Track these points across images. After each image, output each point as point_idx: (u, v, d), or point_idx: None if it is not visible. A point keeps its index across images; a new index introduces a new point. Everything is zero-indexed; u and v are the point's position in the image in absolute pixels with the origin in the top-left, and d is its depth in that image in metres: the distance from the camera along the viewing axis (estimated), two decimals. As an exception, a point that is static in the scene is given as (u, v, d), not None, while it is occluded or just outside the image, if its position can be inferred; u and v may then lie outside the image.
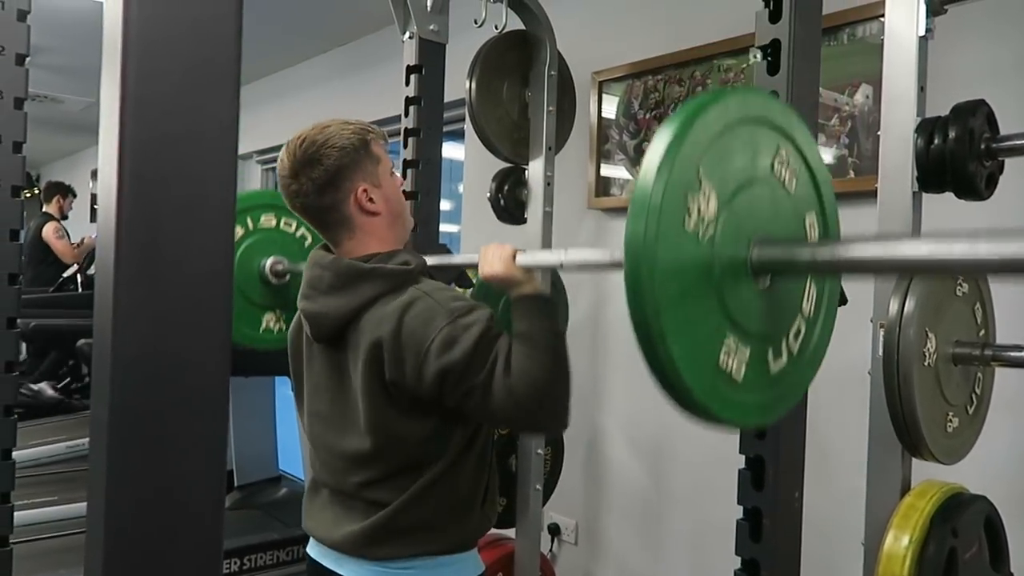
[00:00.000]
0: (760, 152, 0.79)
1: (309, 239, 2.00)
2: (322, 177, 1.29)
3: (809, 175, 0.86)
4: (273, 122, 4.40)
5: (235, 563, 2.66)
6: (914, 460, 1.37)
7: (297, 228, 2.01)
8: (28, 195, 6.41)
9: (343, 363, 1.30)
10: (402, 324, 1.22)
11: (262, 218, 1.95)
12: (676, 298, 0.70)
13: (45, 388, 4.49)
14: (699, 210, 0.71)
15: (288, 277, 1.94)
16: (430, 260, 1.40)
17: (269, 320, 1.96)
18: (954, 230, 0.65)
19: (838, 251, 0.78)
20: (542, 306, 1.24)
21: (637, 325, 0.71)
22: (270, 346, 1.97)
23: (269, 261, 1.94)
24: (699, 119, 0.72)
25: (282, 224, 2.00)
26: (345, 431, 1.31)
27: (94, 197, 7.17)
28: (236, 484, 3.38)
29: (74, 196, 5.92)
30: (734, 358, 0.76)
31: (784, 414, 0.88)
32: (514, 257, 1.25)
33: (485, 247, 1.28)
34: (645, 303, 0.69)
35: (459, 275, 2.01)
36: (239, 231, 1.89)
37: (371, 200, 1.32)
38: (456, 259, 1.71)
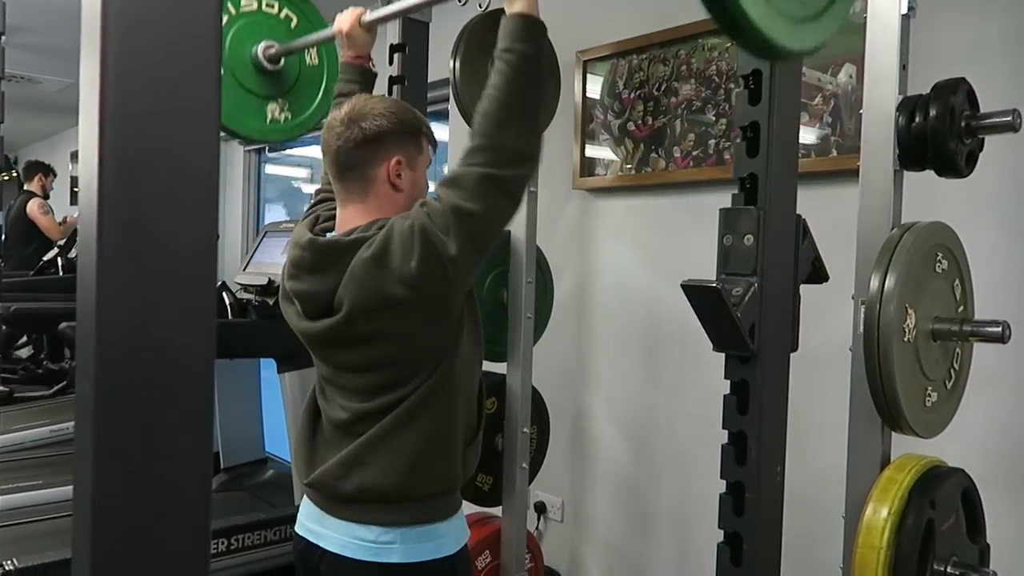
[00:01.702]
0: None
1: (295, 20, 1.92)
2: (372, 131, 1.32)
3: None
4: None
5: (222, 543, 2.66)
6: (893, 434, 1.40)
7: (280, 8, 1.91)
8: (6, 177, 6.33)
9: (338, 326, 1.30)
10: (372, 251, 1.24)
11: (242, 1, 1.84)
12: None
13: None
14: None
15: (282, 61, 1.87)
16: None
17: (274, 111, 1.90)
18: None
19: None
20: (525, 28, 1.26)
21: None
22: (280, 136, 1.93)
23: (260, 47, 1.84)
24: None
25: (264, 5, 1.90)
26: (353, 370, 1.34)
27: (74, 180, 7.08)
28: (222, 466, 3.38)
29: (55, 175, 5.86)
30: None
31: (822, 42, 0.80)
32: None
33: None
34: None
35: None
36: (223, 18, 1.66)
37: (399, 175, 1.35)
38: None
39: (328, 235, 1.36)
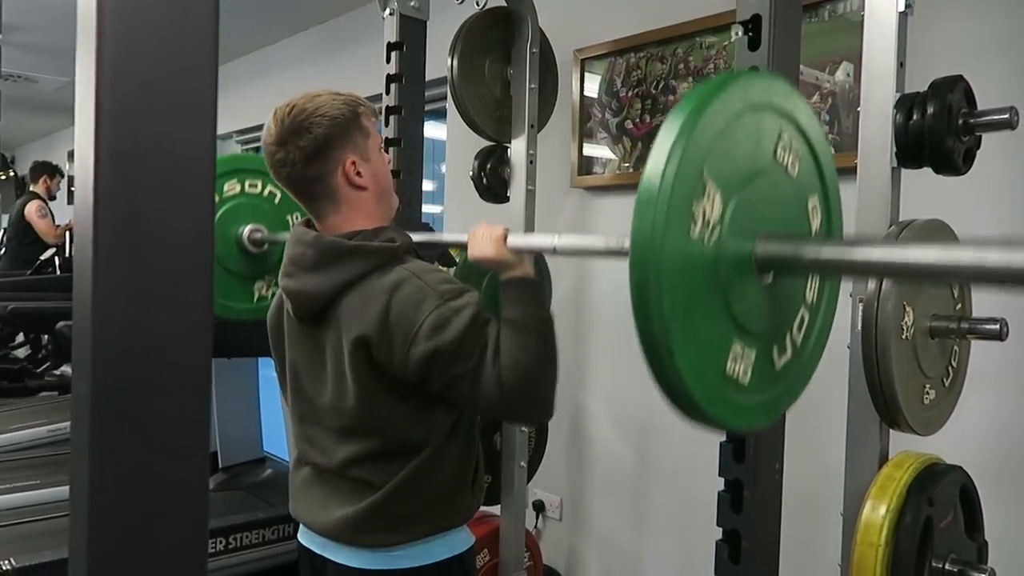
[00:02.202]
0: (763, 139, 0.76)
1: (278, 196, 1.94)
2: (310, 146, 1.25)
3: (811, 154, 0.83)
4: (253, 101, 4.34)
5: (220, 542, 2.66)
6: (891, 432, 1.40)
7: (263, 187, 1.94)
8: (3, 177, 6.30)
9: (327, 341, 1.28)
10: (391, 305, 1.20)
11: (224, 187, 1.88)
12: (683, 306, 0.68)
13: (69, 371, 4.44)
14: (704, 215, 0.69)
15: (267, 246, 1.90)
16: (416, 237, 1.38)
17: (260, 289, 1.92)
18: (964, 237, 0.64)
19: (842, 252, 0.76)
20: (533, 291, 1.22)
21: (643, 334, 0.68)
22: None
23: (246, 230, 1.88)
24: (702, 117, 0.68)
25: (247, 187, 1.93)
26: (330, 408, 1.30)
27: (71, 179, 7.07)
28: (220, 466, 3.37)
29: (62, 176, 5.83)
30: (740, 363, 0.75)
31: (788, 409, 0.88)
32: (505, 239, 1.22)
33: (475, 227, 1.26)
34: (651, 313, 0.67)
35: (441, 253, 2.01)
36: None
37: (359, 174, 1.29)
38: (444, 237, 1.70)
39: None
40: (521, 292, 1.21)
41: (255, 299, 1.91)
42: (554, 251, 1.21)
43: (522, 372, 1.15)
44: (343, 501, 1.30)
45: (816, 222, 0.85)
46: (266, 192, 1.95)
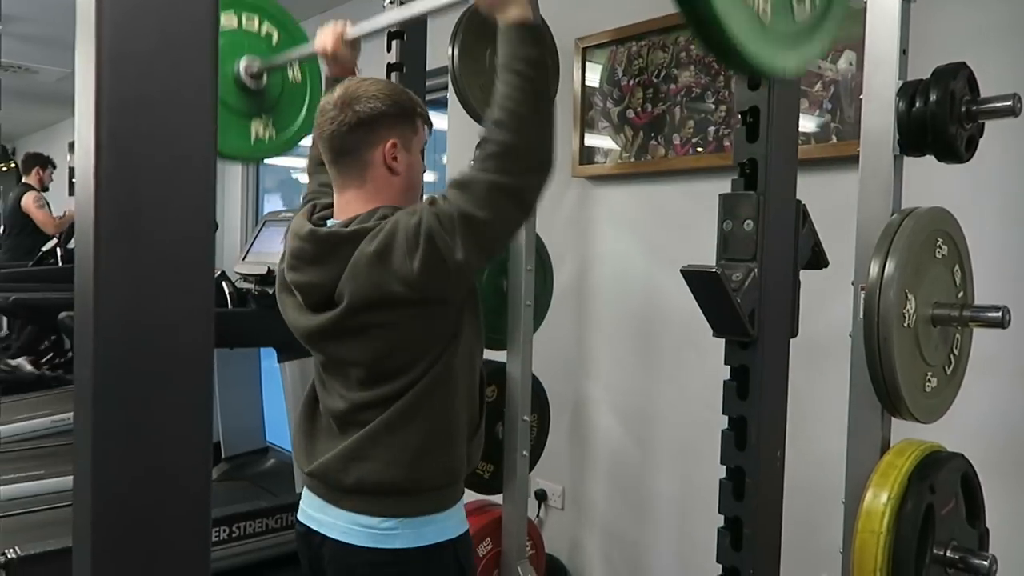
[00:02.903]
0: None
1: (276, 36, 1.87)
2: (365, 114, 1.30)
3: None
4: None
5: (224, 531, 2.67)
6: (893, 420, 1.40)
7: (260, 24, 1.85)
8: (4, 168, 6.31)
9: (340, 306, 1.30)
10: (376, 245, 1.23)
11: (222, 19, 1.79)
12: None
13: (23, 364, 4.46)
14: None
15: (265, 78, 1.82)
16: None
17: (258, 129, 1.84)
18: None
19: None
20: (523, 32, 1.21)
21: None
22: (266, 154, 1.88)
23: (242, 63, 1.78)
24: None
25: (244, 22, 1.84)
26: (351, 363, 1.33)
27: (72, 170, 7.07)
28: (223, 456, 3.39)
29: (54, 167, 5.84)
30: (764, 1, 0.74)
31: (807, 63, 0.85)
32: None
33: None
34: None
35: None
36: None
37: (395, 158, 1.33)
38: None
39: (328, 223, 1.35)
40: (511, 35, 1.21)
41: (252, 139, 1.84)
42: None
43: (512, 114, 1.18)
44: (344, 439, 1.33)
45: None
46: (263, 32, 1.86)
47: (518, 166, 1.21)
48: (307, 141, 1.75)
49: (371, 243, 1.24)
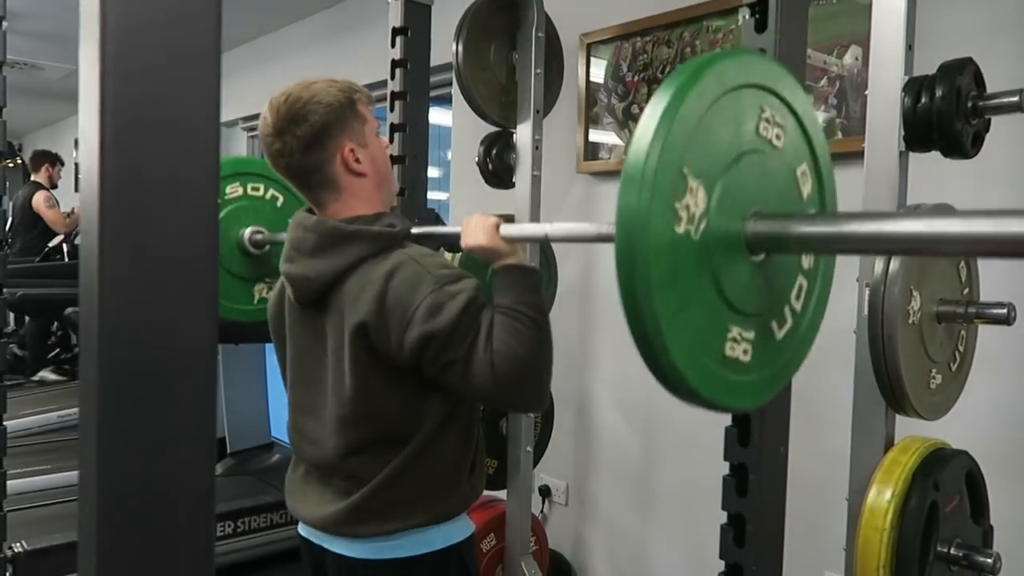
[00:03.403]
0: (744, 119, 0.74)
1: (280, 199, 1.94)
2: (308, 134, 1.25)
3: (796, 122, 0.81)
4: (258, 88, 4.34)
5: (229, 526, 2.68)
6: (897, 416, 1.39)
7: (265, 191, 1.94)
8: (11, 164, 6.33)
9: (328, 326, 1.29)
10: (388, 289, 1.20)
11: (227, 190, 1.89)
12: (675, 302, 0.67)
13: (47, 375, 4.51)
14: (688, 209, 0.67)
15: (268, 248, 1.90)
16: (413, 231, 1.38)
17: (260, 291, 1.93)
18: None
19: (834, 227, 0.74)
20: (526, 279, 1.21)
21: (637, 335, 0.69)
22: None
23: (247, 232, 1.88)
24: (676, 114, 0.66)
25: (249, 190, 1.93)
26: (327, 396, 1.30)
27: (78, 167, 7.05)
28: (229, 451, 3.40)
29: (62, 164, 5.85)
30: (740, 345, 0.74)
31: (793, 374, 0.85)
32: (498, 228, 1.22)
33: (468, 218, 1.26)
34: (643, 314, 0.67)
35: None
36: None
37: (357, 160, 1.30)
38: (439, 230, 1.70)
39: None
40: (514, 279, 1.20)
41: (255, 300, 1.92)
42: (546, 238, 1.20)
43: (514, 359, 1.14)
44: (335, 496, 1.31)
45: (807, 188, 0.82)
46: (268, 195, 1.95)
47: (519, 395, 1.20)
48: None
49: (382, 280, 1.21)
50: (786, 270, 0.81)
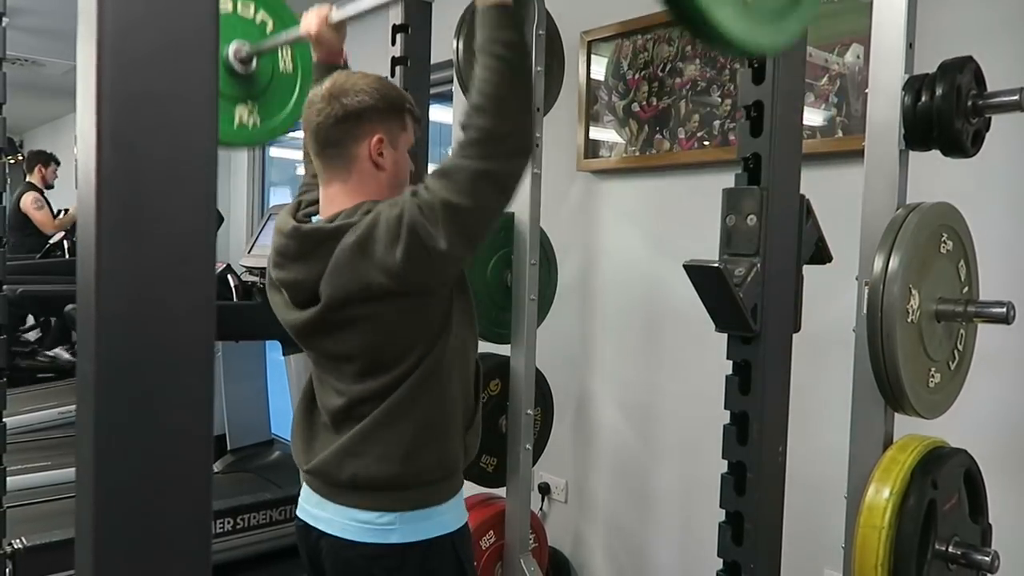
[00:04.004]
0: None
1: (270, 24, 1.83)
2: (353, 107, 1.29)
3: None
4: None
5: (228, 523, 2.69)
6: (896, 415, 1.40)
7: (256, 11, 1.82)
8: (12, 161, 6.35)
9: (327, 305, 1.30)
10: (357, 238, 1.23)
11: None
12: None
13: (61, 353, 4.52)
14: None
15: (254, 62, 1.79)
16: None
17: (242, 114, 1.80)
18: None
19: None
20: (500, 14, 1.21)
21: None
22: (245, 141, 1.84)
23: (231, 48, 1.75)
24: None
25: (239, 7, 1.80)
26: (346, 358, 1.32)
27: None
28: (229, 448, 3.40)
29: (57, 164, 5.83)
30: None
31: (791, 39, 0.81)
32: None
33: None
34: None
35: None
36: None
37: (381, 154, 1.33)
38: None
39: (313, 219, 1.35)
40: (489, 18, 1.21)
41: (234, 124, 1.80)
42: None
43: (491, 98, 1.16)
44: (340, 436, 1.34)
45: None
46: (258, 19, 1.83)
47: (499, 151, 1.19)
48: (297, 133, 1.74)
49: (352, 235, 1.23)
50: None
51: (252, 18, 1.81)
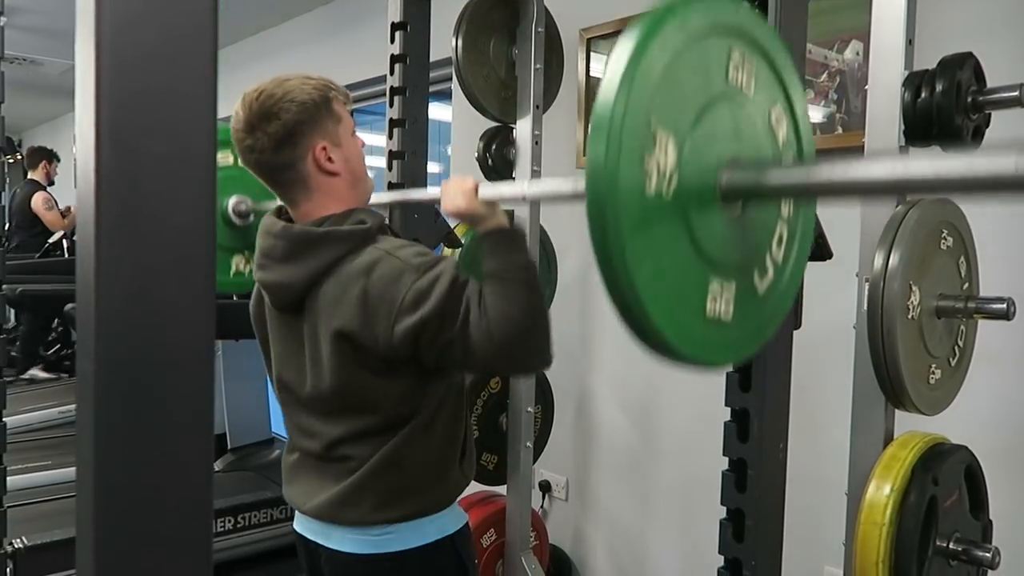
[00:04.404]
0: (712, 65, 0.70)
1: None
2: (279, 132, 1.23)
3: (766, 62, 0.76)
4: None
5: (229, 522, 2.68)
6: (897, 412, 1.39)
7: None
8: (11, 160, 6.32)
9: (308, 328, 1.27)
10: (368, 288, 1.18)
11: (217, 156, 1.83)
12: (652, 265, 0.65)
13: (37, 374, 4.51)
14: (658, 167, 0.64)
15: (252, 217, 1.84)
16: (386, 197, 1.35)
17: (239, 263, 1.87)
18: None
19: (810, 174, 0.71)
20: (510, 240, 1.20)
21: (617, 303, 0.67)
22: (243, 290, 1.87)
23: (232, 201, 1.82)
24: (639, 68, 0.63)
25: (239, 162, 1.85)
26: (311, 394, 1.29)
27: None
28: (229, 447, 3.40)
29: (59, 161, 5.82)
30: (721, 300, 0.71)
31: (773, 331, 0.83)
32: (476, 190, 1.20)
33: (446, 181, 1.24)
34: (620, 280, 0.64)
35: (446, 235, 2.01)
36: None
37: (330, 160, 1.27)
38: (416, 194, 1.64)
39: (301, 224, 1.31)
40: (498, 242, 1.19)
41: (231, 272, 1.86)
42: (524, 199, 1.19)
43: (510, 320, 1.13)
44: (330, 481, 1.31)
45: (782, 132, 0.79)
46: None
47: (523, 356, 1.20)
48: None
49: (364, 280, 1.19)
50: (765, 219, 0.78)
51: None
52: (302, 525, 1.40)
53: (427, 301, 1.15)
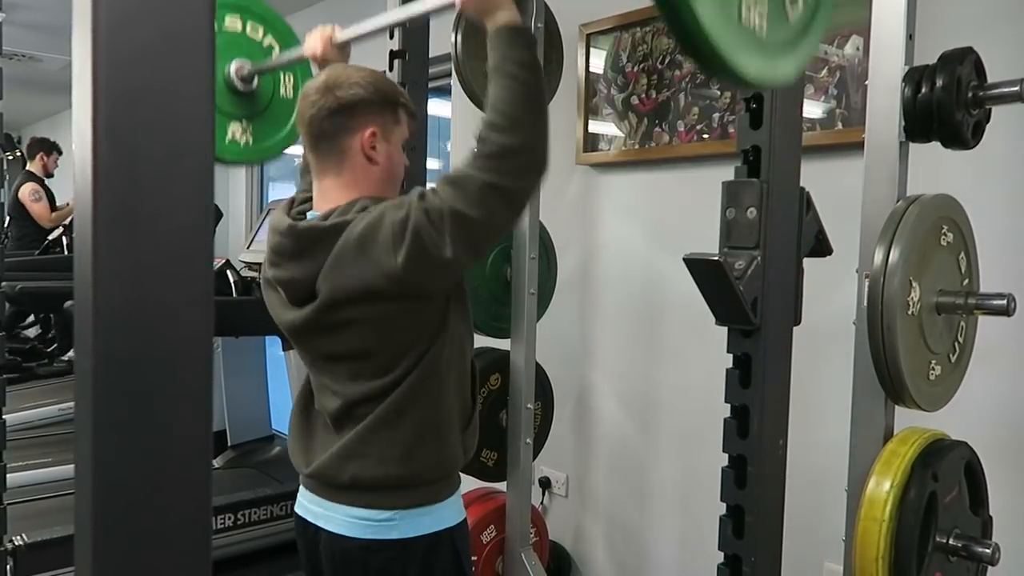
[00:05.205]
0: None
1: (276, 50, 1.82)
2: (346, 100, 1.29)
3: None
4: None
5: (229, 518, 2.69)
6: (897, 408, 1.40)
7: (264, 35, 1.81)
8: (11, 156, 6.31)
9: (319, 300, 1.29)
10: (358, 235, 1.22)
11: (226, 19, 1.75)
12: None
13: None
14: None
15: (255, 81, 1.78)
16: None
17: (235, 131, 1.79)
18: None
19: None
20: (511, 34, 1.21)
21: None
22: (234, 158, 1.82)
23: (233, 66, 1.74)
24: None
25: (248, 29, 1.78)
26: (336, 358, 1.32)
27: (77, 158, 6.99)
28: (229, 444, 3.40)
29: (59, 153, 5.77)
30: (755, 10, 0.73)
31: (805, 63, 0.84)
32: None
33: None
34: None
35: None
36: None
37: (374, 148, 1.32)
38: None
39: (308, 215, 1.34)
40: (503, 38, 1.21)
41: (226, 139, 1.78)
42: None
43: (508, 116, 1.16)
44: (339, 436, 1.33)
45: None
46: (265, 43, 1.82)
47: (514, 167, 1.18)
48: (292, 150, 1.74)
49: (353, 233, 1.22)
50: None
51: (260, 40, 1.82)
52: (302, 506, 1.41)
53: (409, 212, 1.19)
